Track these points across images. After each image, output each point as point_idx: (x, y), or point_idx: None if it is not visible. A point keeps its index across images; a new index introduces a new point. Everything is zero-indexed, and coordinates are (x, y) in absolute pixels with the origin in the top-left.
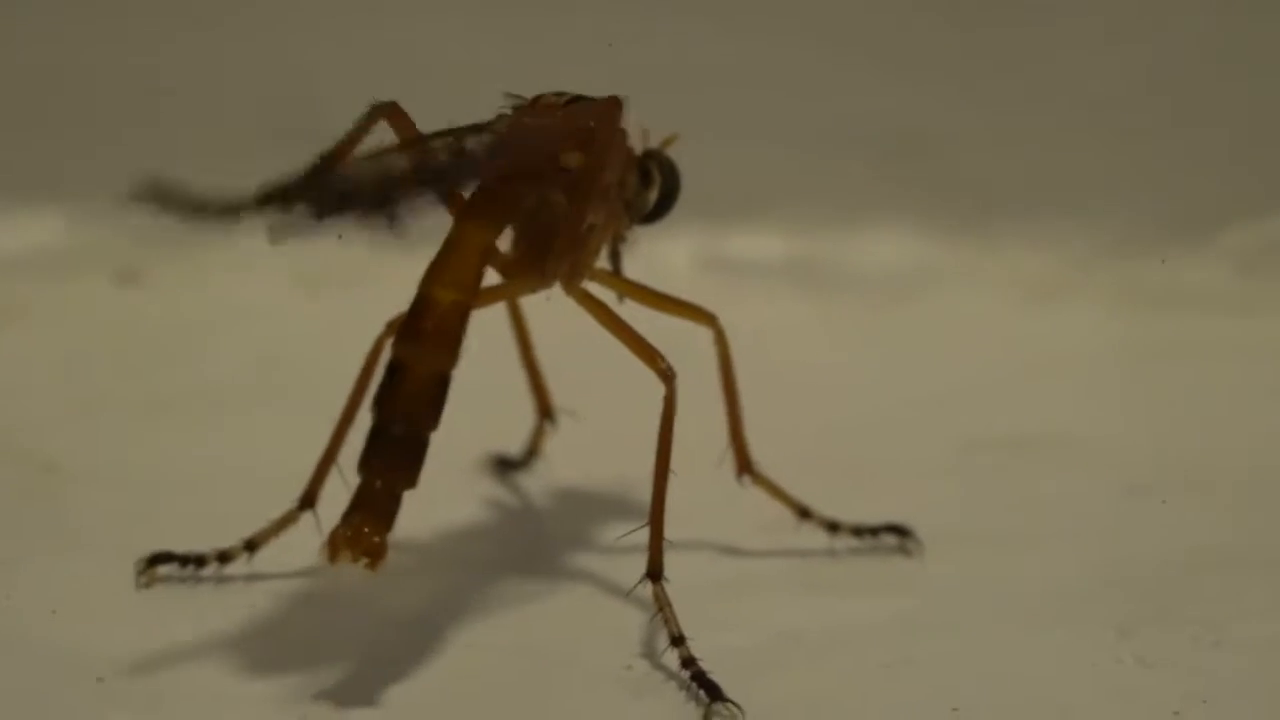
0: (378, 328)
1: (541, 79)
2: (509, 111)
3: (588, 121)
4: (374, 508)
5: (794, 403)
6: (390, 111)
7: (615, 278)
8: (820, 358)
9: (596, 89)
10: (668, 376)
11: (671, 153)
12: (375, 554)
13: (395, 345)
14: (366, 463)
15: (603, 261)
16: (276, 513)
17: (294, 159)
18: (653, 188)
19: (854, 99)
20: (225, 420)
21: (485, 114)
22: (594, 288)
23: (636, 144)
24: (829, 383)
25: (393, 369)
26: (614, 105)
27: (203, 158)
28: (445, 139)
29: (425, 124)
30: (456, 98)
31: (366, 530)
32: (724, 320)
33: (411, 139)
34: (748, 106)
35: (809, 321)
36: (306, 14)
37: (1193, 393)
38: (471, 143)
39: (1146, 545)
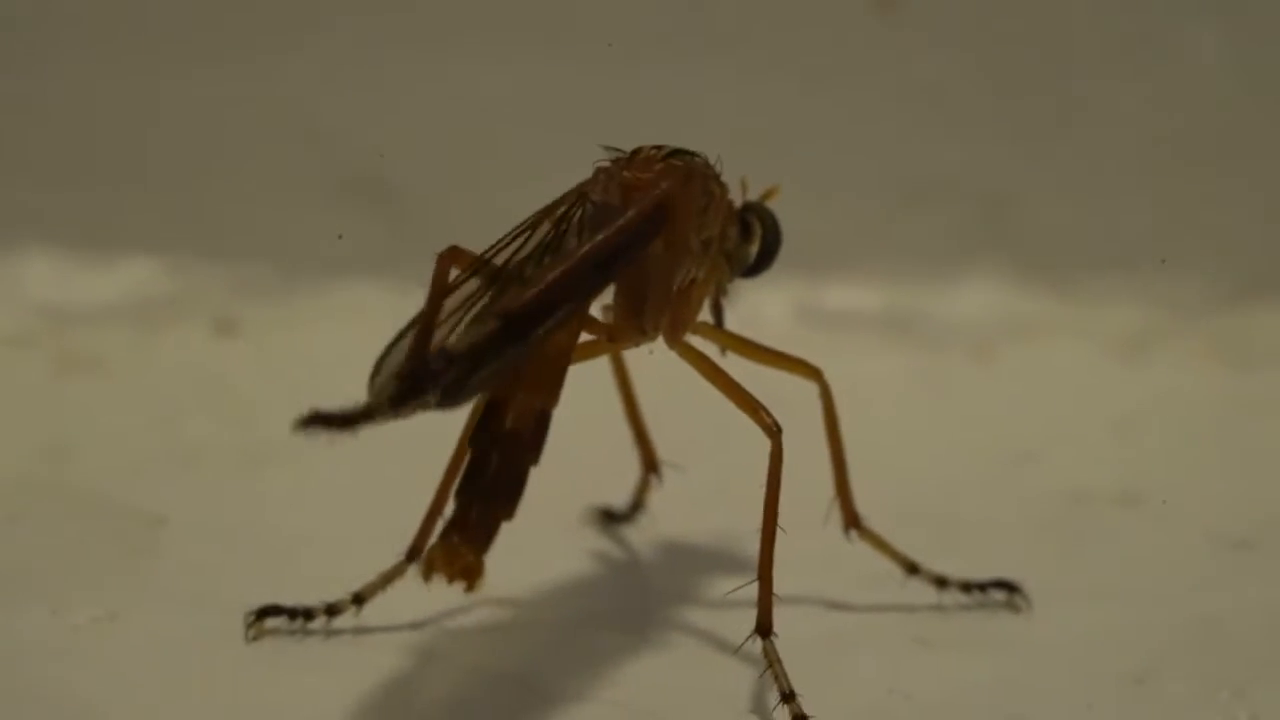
0: None
1: (626, 131)
2: (607, 164)
3: (681, 177)
4: (471, 530)
5: (887, 456)
6: (454, 256)
7: (718, 331)
8: (914, 410)
9: (688, 144)
10: (773, 431)
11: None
12: (472, 573)
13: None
14: (464, 491)
15: (705, 315)
16: (383, 566)
17: (361, 208)
18: (754, 240)
19: (946, 154)
20: (328, 472)
21: (557, 160)
22: (697, 341)
23: (737, 196)
24: (923, 436)
25: (491, 405)
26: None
27: (282, 205)
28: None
29: (497, 170)
30: (533, 145)
31: (463, 550)
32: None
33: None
34: (838, 161)
35: (903, 373)
36: (378, 63)
37: None
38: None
39: (1252, 601)
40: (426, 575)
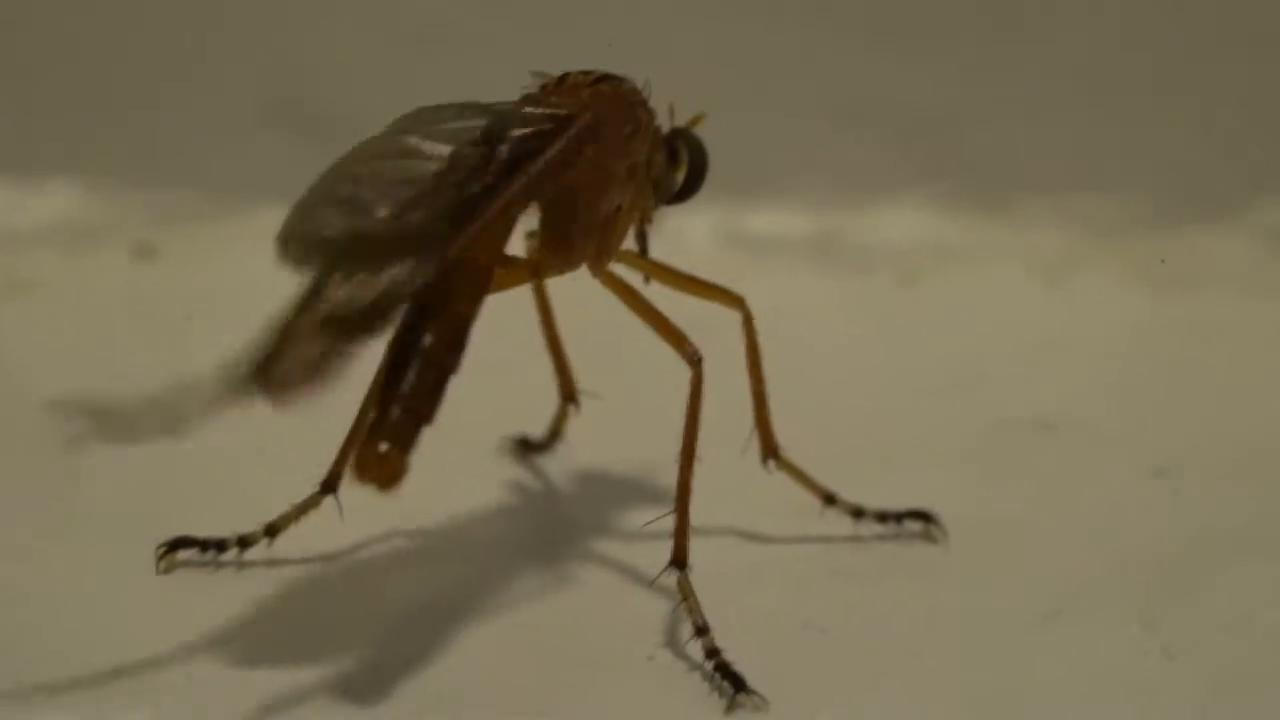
0: None
1: (558, 58)
2: (535, 90)
3: (608, 104)
4: (394, 433)
5: (812, 382)
6: None
7: (642, 259)
8: (839, 335)
9: (619, 69)
10: (694, 360)
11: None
12: (397, 475)
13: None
14: (385, 396)
15: (629, 243)
16: (297, 497)
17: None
18: (680, 167)
19: (872, 77)
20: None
21: (487, 83)
22: (620, 269)
23: (664, 122)
24: (848, 361)
25: (413, 312)
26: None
27: (211, 133)
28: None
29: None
30: (464, 72)
31: (389, 453)
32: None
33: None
34: (766, 85)
35: (828, 298)
36: None
37: (1216, 372)
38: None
39: (1170, 530)
40: (359, 479)
